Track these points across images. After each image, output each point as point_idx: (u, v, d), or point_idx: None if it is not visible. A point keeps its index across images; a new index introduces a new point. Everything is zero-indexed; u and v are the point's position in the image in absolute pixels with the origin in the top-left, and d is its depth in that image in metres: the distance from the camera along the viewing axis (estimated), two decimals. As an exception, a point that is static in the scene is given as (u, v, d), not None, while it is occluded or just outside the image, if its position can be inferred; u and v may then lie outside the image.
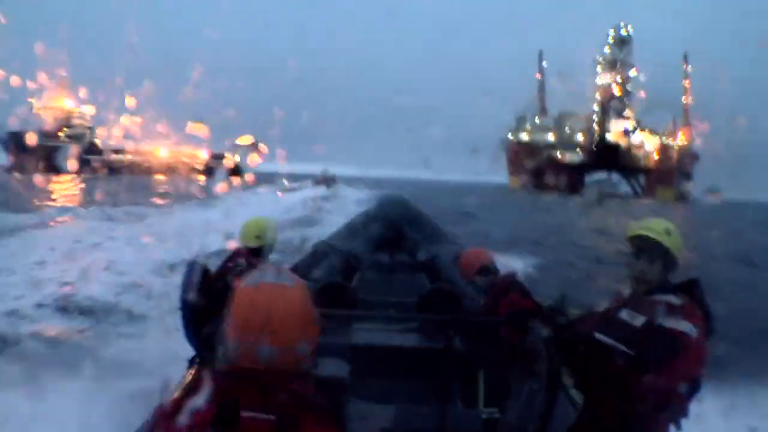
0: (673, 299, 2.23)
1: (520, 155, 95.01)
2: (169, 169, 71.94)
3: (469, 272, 3.88)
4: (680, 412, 2.22)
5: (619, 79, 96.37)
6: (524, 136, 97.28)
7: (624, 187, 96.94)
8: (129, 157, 73.69)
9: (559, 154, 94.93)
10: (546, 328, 2.32)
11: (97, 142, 75.58)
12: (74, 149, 66.93)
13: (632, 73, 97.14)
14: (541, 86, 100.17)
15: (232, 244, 4.43)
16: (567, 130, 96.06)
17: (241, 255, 4.18)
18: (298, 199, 31.30)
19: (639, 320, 2.24)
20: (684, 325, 2.11)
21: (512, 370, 3.10)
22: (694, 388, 2.20)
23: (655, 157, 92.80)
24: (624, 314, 2.30)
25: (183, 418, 1.36)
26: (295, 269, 6.37)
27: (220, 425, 1.32)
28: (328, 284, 5.29)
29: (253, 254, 4.21)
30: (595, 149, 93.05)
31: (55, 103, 73.85)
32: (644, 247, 2.30)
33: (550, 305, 2.36)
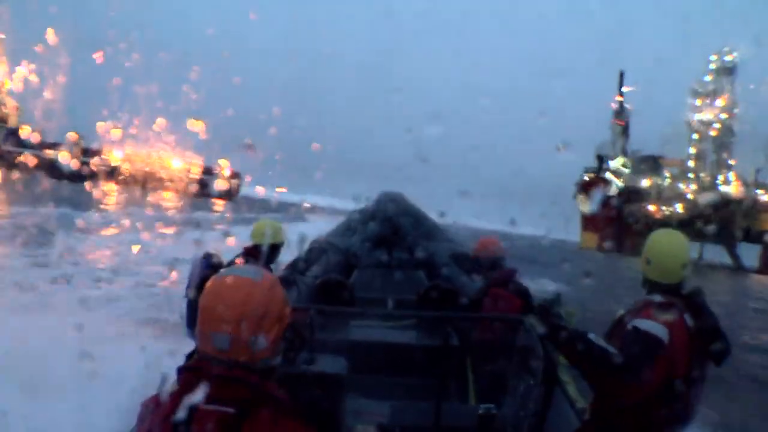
0: (657, 298, 2.37)
1: (604, 205, 71.38)
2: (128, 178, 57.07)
3: (481, 254, 4.01)
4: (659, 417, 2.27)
5: (722, 116, 73.08)
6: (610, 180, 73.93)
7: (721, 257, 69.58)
8: (65, 156, 53.42)
9: (652, 208, 71.94)
10: (541, 326, 2.35)
11: (26, 129, 56.63)
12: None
13: (736, 110, 72.71)
14: (621, 114, 76.74)
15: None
16: (666, 175, 73.96)
17: (251, 253, 4.17)
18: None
19: (620, 312, 2.48)
20: (656, 328, 2.23)
21: (509, 366, 3.13)
22: (671, 393, 2.26)
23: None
24: (622, 308, 2.50)
25: (153, 412, 1.41)
26: (293, 266, 6.40)
27: (176, 417, 1.35)
28: (326, 281, 5.31)
29: (257, 251, 4.20)
30: (707, 205, 68.56)
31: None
32: None
33: (542, 305, 2.39)
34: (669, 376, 2.24)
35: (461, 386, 3.93)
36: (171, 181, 61.93)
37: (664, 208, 71.48)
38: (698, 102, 74.68)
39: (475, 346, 3.89)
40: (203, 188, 61.52)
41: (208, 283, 1.46)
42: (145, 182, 58.48)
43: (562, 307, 2.38)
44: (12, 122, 59.10)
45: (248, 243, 4.34)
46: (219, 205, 55.07)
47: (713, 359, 2.33)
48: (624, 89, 76.58)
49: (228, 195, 62.55)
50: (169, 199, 51.02)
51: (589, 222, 74.06)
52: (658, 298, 2.36)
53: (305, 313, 3.08)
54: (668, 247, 2.45)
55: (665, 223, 64.05)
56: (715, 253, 68.44)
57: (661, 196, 72.34)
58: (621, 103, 77.05)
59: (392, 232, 8.33)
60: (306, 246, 8.06)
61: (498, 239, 4.11)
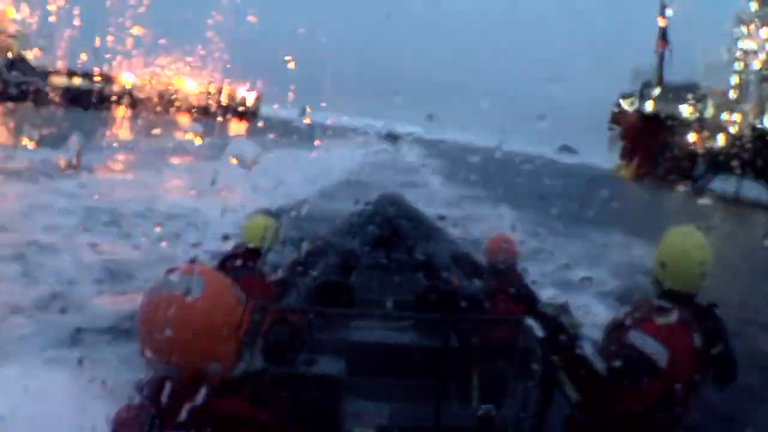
0: (664, 304, 2.27)
1: (644, 133, 65.85)
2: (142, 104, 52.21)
3: (492, 256, 3.97)
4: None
5: (768, 45, 64.52)
6: (650, 107, 67.84)
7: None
8: (78, 82, 50.98)
9: (693, 138, 65.37)
10: (540, 328, 2.33)
11: (29, 56, 52.40)
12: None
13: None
14: (663, 34, 69.40)
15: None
16: (710, 106, 66.54)
17: (239, 255, 4.10)
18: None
19: (621, 314, 2.41)
20: (656, 347, 2.13)
21: (508, 368, 3.12)
22: (670, 398, 2.22)
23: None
24: (622, 311, 2.44)
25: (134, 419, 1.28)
26: (292, 266, 6.40)
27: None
28: (325, 282, 5.30)
29: (252, 254, 4.16)
30: (752, 137, 61.51)
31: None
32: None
33: (542, 311, 2.35)
34: (669, 384, 2.19)
35: (460, 388, 3.93)
36: (186, 102, 58.78)
37: (704, 139, 65.84)
38: (744, 30, 67.59)
39: (474, 347, 3.89)
40: (222, 108, 59.75)
41: (143, 302, 1.26)
42: (158, 105, 54.64)
43: (567, 317, 2.32)
44: (14, 50, 53.67)
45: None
46: (239, 128, 53.02)
47: (717, 380, 2.25)
48: (667, 11, 69.64)
49: (248, 115, 60.03)
50: (183, 124, 48.92)
51: (625, 149, 69.06)
52: (665, 305, 2.24)
53: (304, 315, 3.07)
54: (687, 250, 2.24)
55: (705, 154, 63.03)
56: (753, 190, 61.68)
57: (703, 126, 66.47)
58: (663, 28, 70.55)
59: (391, 232, 8.32)
60: (304, 246, 8.06)
61: (511, 237, 4.07)
